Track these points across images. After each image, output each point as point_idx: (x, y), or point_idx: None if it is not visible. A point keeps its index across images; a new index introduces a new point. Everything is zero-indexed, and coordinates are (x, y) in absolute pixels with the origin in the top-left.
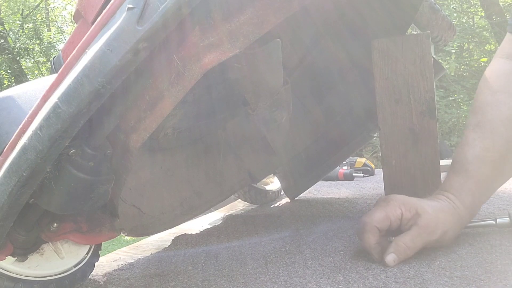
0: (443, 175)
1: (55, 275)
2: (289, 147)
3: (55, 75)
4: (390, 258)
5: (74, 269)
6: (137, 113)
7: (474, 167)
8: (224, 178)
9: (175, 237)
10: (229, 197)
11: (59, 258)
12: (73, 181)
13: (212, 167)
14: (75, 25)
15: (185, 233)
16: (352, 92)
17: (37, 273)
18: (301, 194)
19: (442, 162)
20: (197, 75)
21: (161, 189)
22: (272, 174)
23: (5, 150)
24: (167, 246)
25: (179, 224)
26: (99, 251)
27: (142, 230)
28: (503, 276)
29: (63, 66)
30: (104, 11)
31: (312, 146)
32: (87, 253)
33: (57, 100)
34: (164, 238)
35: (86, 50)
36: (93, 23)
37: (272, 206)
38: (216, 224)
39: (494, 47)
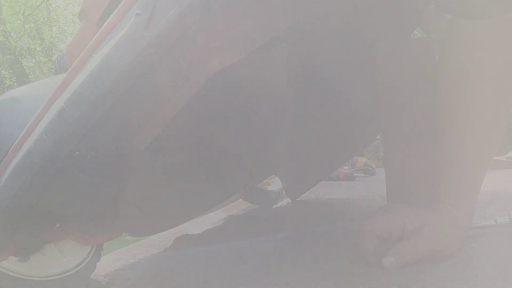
0: None
1: (57, 275)
2: (291, 148)
3: (59, 77)
4: (388, 260)
5: (75, 269)
6: (142, 115)
7: (465, 176)
8: (225, 178)
9: (177, 237)
10: (230, 197)
11: (61, 258)
12: (77, 183)
13: (213, 167)
14: (77, 24)
15: (186, 233)
16: (354, 94)
17: (39, 273)
18: (302, 194)
19: None
20: (202, 79)
21: (162, 189)
22: (274, 175)
23: (9, 152)
24: (168, 246)
25: (180, 224)
26: (101, 251)
27: (143, 230)
28: (505, 277)
29: (70, 69)
30: (112, 15)
31: (314, 147)
32: (89, 253)
33: (63, 104)
34: (165, 238)
35: (93, 54)
36: (97, 24)
37: (274, 206)
38: (218, 225)
39: None
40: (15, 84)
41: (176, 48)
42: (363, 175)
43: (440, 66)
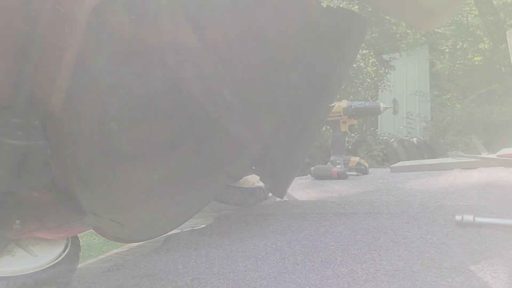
0: (438, 173)
1: (30, 270)
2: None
3: None
4: None
5: (47, 266)
6: (48, 75)
7: None
8: (203, 185)
9: (166, 238)
10: (212, 200)
11: (32, 256)
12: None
13: (188, 177)
14: None
15: (176, 233)
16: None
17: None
18: (294, 193)
19: (436, 161)
20: (84, 17)
21: (141, 204)
22: (254, 174)
23: None
24: (158, 247)
25: (167, 232)
26: (79, 247)
27: (126, 238)
28: (492, 267)
29: None
30: None
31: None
32: (64, 251)
33: None
34: (155, 239)
35: None
36: None
37: (264, 205)
38: (208, 224)
39: (488, 45)
40: None
41: None
42: (356, 173)
43: None
